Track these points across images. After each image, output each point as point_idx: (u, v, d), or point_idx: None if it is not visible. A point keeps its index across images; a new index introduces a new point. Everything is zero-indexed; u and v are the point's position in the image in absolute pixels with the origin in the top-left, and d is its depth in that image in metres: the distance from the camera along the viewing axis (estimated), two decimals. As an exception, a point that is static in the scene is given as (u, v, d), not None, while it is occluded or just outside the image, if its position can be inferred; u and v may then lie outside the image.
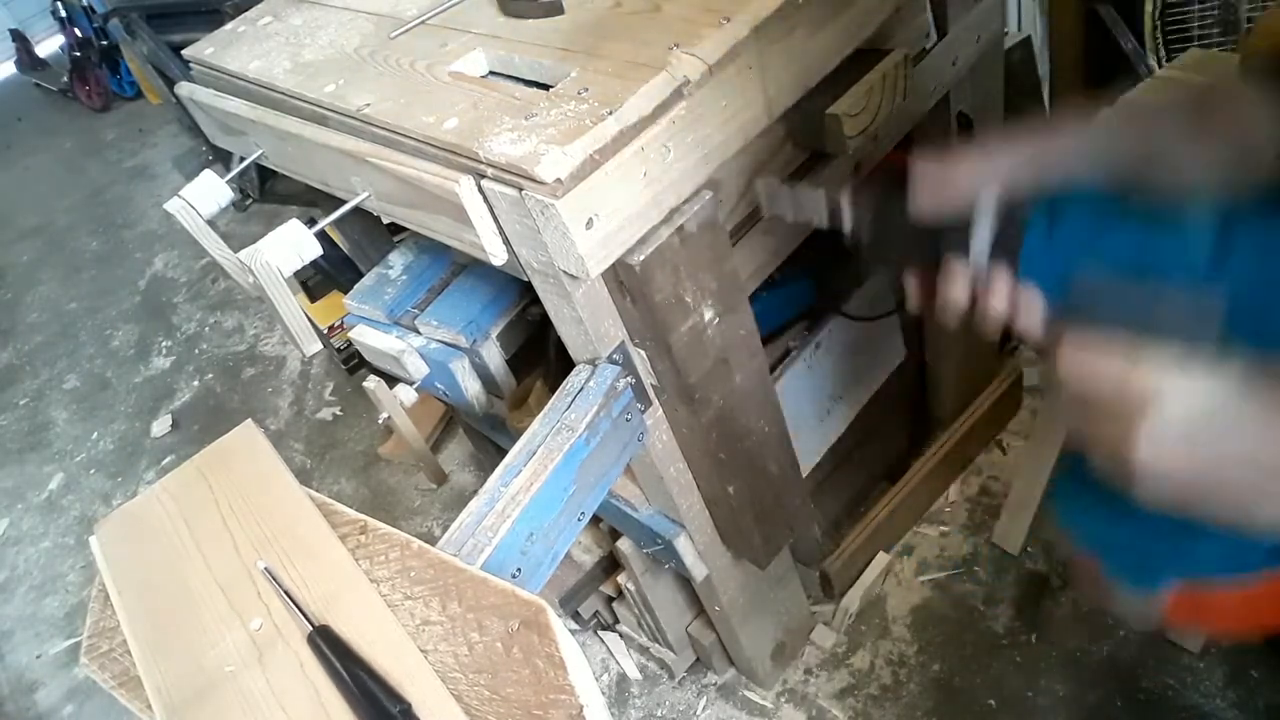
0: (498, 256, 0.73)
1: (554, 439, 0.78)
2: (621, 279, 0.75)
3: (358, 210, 0.84)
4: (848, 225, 0.65)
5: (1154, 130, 0.59)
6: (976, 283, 0.59)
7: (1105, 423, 0.49)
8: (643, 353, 0.82)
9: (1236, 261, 0.48)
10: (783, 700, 1.33)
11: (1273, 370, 0.45)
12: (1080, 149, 0.59)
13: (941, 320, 0.62)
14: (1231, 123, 0.56)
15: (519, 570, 0.74)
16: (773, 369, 1.15)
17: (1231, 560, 0.52)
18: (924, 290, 0.63)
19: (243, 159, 1.02)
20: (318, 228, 0.80)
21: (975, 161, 0.60)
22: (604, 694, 1.43)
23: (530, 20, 0.82)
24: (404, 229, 0.89)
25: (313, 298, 2.05)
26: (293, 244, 0.77)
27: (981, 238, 0.57)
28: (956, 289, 0.60)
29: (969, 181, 0.60)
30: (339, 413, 2.16)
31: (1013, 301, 0.58)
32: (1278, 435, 0.44)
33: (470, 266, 1.02)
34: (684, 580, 1.19)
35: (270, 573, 0.70)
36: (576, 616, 1.47)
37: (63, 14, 4.04)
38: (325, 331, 2.03)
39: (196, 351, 2.56)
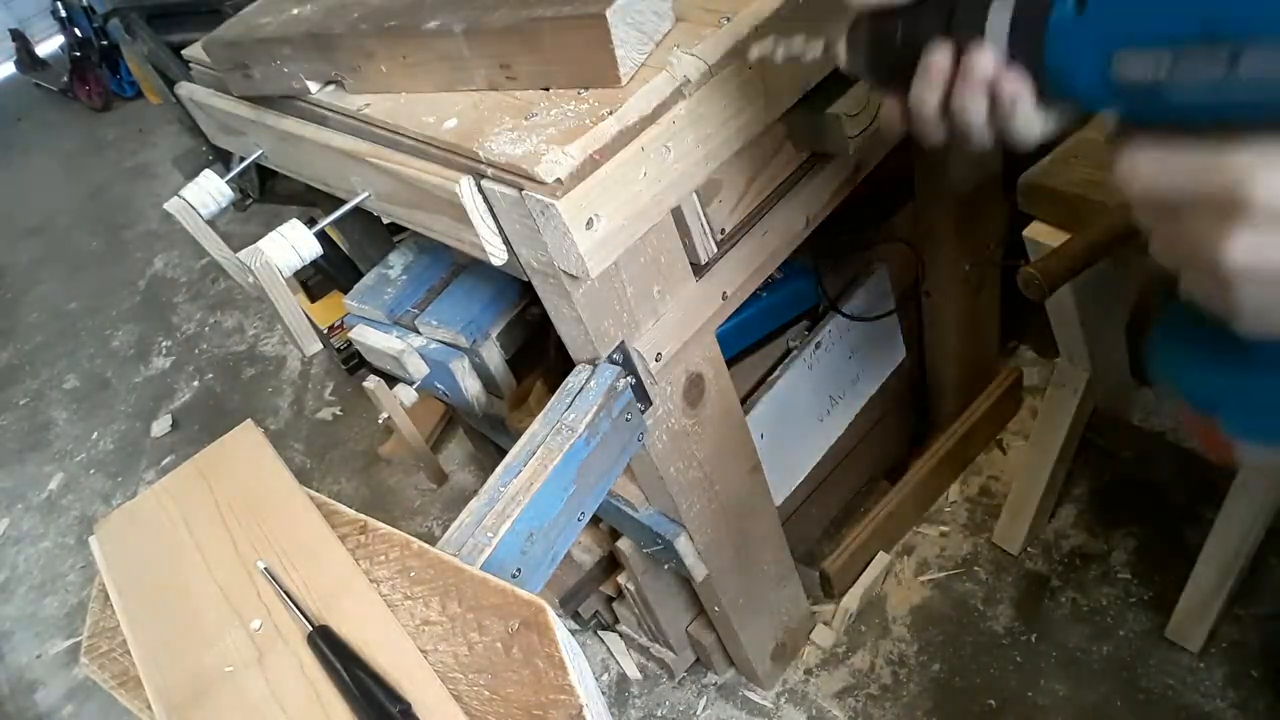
0: (498, 256, 0.73)
1: (554, 439, 0.78)
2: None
3: (358, 210, 0.84)
4: (842, 56, 0.56)
5: None
6: (969, 73, 0.48)
7: (1186, 227, 0.39)
8: (638, 349, 0.82)
9: None
10: (783, 700, 1.33)
11: None
12: None
13: (921, 138, 0.52)
14: None
15: (519, 570, 0.74)
16: (773, 369, 1.16)
17: None
18: (903, 108, 0.53)
19: (243, 159, 1.02)
20: (318, 228, 0.80)
21: None
22: (604, 694, 1.43)
23: (530, 20, 0.82)
24: (404, 229, 0.89)
25: (313, 298, 2.05)
26: (293, 244, 0.77)
27: (1002, 8, 0.45)
28: (928, 85, 0.50)
29: None
30: (339, 413, 2.16)
31: (994, 93, 0.47)
32: None
33: (470, 266, 1.02)
34: (684, 580, 1.19)
35: (270, 573, 0.70)
36: (576, 616, 1.47)
37: (63, 14, 4.04)
38: (325, 331, 2.03)
39: (196, 351, 2.56)
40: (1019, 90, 0.46)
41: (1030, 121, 0.47)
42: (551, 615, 0.59)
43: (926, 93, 0.50)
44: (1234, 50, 0.37)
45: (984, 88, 0.47)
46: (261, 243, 0.77)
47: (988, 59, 0.46)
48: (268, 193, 2.84)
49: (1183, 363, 0.47)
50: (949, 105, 0.49)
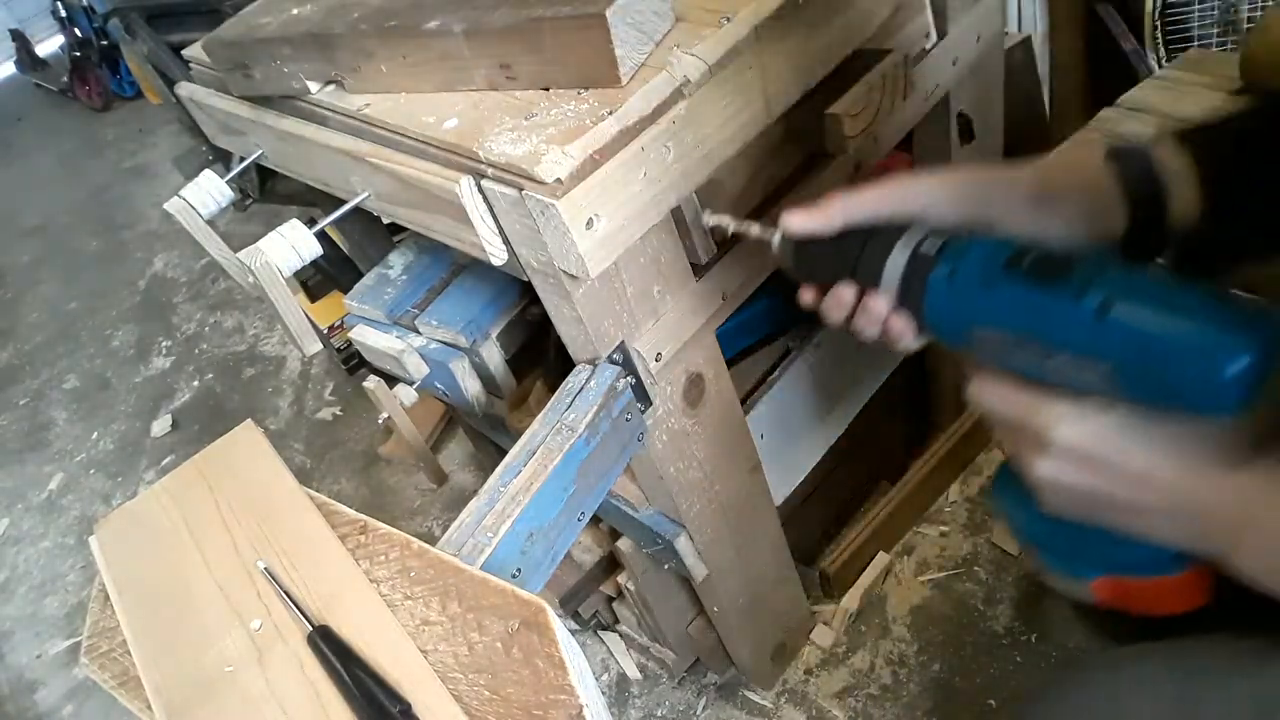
0: (498, 256, 0.73)
1: (554, 439, 0.78)
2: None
3: (358, 210, 0.84)
4: (775, 247, 0.69)
5: (994, 191, 0.62)
6: (867, 311, 0.63)
7: (1012, 440, 0.56)
8: (638, 349, 0.82)
9: (1116, 322, 0.50)
10: (783, 700, 1.33)
11: (1157, 416, 0.51)
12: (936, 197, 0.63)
13: (828, 325, 0.67)
14: (1077, 186, 0.62)
15: (519, 570, 0.74)
16: (773, 369, 1.15)
17: (1145, 562, 0.57)
18: (816, 301, 0.68)
19: (243, 159, 1.02)
20: (318, 228, 0.80)
21: (876, 191, 0.64)
22: (604, 694, 1.43)
23: (530, 20, 0.82)
24: (404, 229, 0.89)
25: (313, 298, 2.05)
26: (293, 244, 0.77)
27: (894, 268, 0.60)
28: (835, 307, 0.65)
29: (866, 207, 0.64)
30: (339, 413, 2.16)
31: (884, 328, 0.63)
32: (1165, 463, 0.51)
33: (470, 266, 1.02)
34: (684, 580, 1.19)
35: (270, 573, 0.70)
36: (576, 616, 1.47)
37: (63, 14, 4.05)
38: (325, 331, 2.03)
39: (196, 351, 2.56)
40: (904, 330, 0.63)
41: (910, 345, 0.64)
42: (551, 615, 0.59)
43: (835, 312, 0.66)
44: (1046, 351, 0.53)
45: (877, 322, 0.63)
46: (261, 243, 0.77)
47: (881, 305, 0.62)
48: (268, 193, 2.84)
49: (1012, 504, 0.63)
50: (850, 323, 0.65)
